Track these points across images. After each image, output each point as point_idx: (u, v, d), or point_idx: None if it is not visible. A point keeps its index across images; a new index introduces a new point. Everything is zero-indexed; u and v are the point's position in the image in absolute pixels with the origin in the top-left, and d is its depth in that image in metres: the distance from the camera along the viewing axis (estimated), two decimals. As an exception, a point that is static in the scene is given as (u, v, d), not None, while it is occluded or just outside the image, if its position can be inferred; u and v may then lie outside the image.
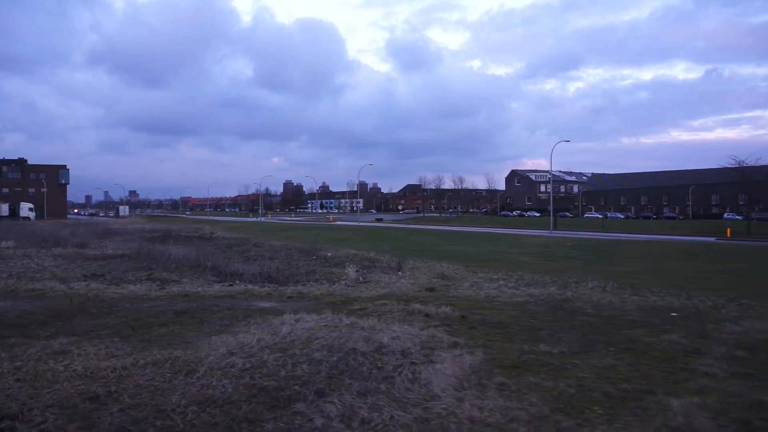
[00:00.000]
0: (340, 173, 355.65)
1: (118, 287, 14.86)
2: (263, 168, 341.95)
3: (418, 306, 11.57)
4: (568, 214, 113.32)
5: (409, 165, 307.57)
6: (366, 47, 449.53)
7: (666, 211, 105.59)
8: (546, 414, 5.72)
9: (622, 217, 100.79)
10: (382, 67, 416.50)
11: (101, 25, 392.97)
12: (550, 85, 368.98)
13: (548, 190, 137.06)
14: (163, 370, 7.16)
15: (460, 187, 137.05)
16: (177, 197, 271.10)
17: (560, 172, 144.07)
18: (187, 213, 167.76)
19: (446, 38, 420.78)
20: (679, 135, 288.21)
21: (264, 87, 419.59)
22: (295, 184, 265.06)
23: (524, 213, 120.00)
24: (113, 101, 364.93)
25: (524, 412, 5.78)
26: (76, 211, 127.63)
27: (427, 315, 11.01)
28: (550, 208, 63.37)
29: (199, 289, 14.46)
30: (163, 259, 20.77)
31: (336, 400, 5.96)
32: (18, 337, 9.00)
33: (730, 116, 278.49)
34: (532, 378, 6.93)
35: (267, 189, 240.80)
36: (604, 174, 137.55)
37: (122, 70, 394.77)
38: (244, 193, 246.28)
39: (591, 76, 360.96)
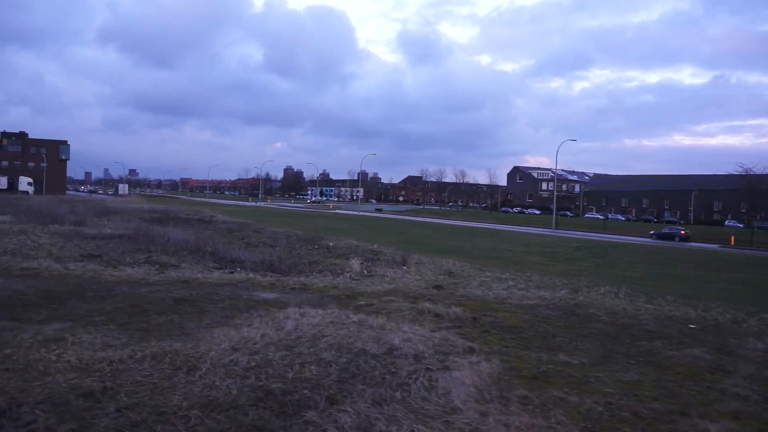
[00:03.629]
0: (341, 161, 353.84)
1: (116, 269, 14.40)
2: (265, 153, 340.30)
3: (427, 305, 11.14)
4: (568, 213, 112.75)
5: (410, 157, 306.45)
6: (376, 37, 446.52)
7: (667, 215, 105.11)
8: (576, 435, 5.31)
9: (623, 219, 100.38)
10: (391, 58, 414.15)
11: (116, 3, 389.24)
12: (555, 83, 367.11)
13: (550, 188, 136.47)
14: (162, 365, 6.72)
15: (461, 180, 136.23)
16: (176, 178, 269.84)
17: (563, 170, 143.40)
18: (187, 194, 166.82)
19: (455, 32, 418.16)
20: (681, 139, 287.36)
21: (272, 72, 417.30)
22: (295, 170, 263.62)
23: (525, 210, 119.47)
24: (120, 79, 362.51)
25: (552, 431, 5.37)
26: (80, 188, 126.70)
27: (437, 315, 10.59)
28: (553, 207, 63.03)
29: (199, 275, 14.00)
30: (162, 241, 20.28)
31: (350, 409, 5.53)
32: (8, 321, 8.54)
33: (733, 123, 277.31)
34: (555, 392, 6.51)
35: (267, 174, 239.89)
36: (605, 175, 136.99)
37: (132, 49, 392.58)
38: (244, 177, 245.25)
39: (597, 76, 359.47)
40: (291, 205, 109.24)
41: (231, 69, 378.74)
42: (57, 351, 7.07)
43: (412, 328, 9.23)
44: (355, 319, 9.64)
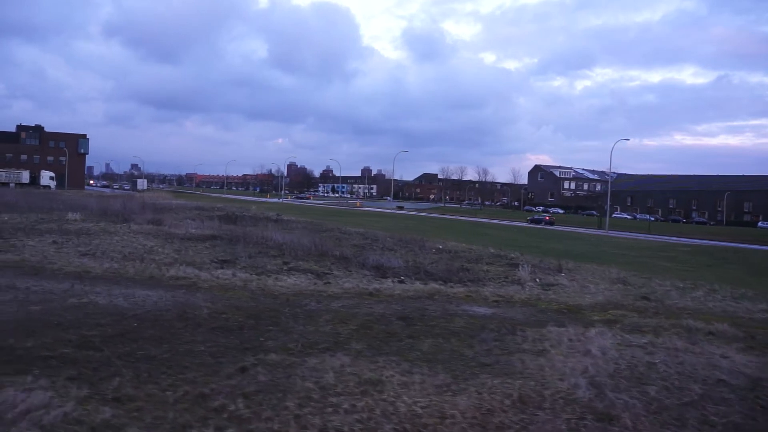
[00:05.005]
0: (343, 158, 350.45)
1: (269, 278, 12.85)
2: (267, 148, 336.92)
3: (692, 322, 9.60)
4: (594, 213, 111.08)
5: (412, 154, 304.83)
6: (380, 34, 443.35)
7: (695, 216, 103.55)
8: None
9: (652, 219, 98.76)
10: (395, 54, 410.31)
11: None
12: (558, 82, 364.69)
13: (572, 187, 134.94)
14: (526, 407, 5.20)
15: (484, 179, 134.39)
16: (177, 172, 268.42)
17: (583, 170, 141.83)
18: (201, 190, 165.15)
19: (458, 29, 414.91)
20: (682, 139, 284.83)
21: (275, 68, 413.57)
22: (299, 166, 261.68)
23: (548, 209, 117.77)
24: (124, 74, 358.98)
25: None
26: (91, 182, 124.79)
27: (710, 333, 9.08)
28: (607, 207, 61.49)
29: (374, 286, 12.45)
30: (272, 244, 18.75)
31: None
32: (251, 353, 6.93)
33: (734, 123, 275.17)
34: None
35: (277, 169, 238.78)
36: (628, 174, 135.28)
37: (136, 44, 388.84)
38: (252, 173, 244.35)
39: (599, 75, 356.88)
40: (312, 201, 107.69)
41: (234, 64, 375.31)
42: (398, 400, 5.52)
43: (721, 350, 7.81)
44: (645, 340, 8.19)
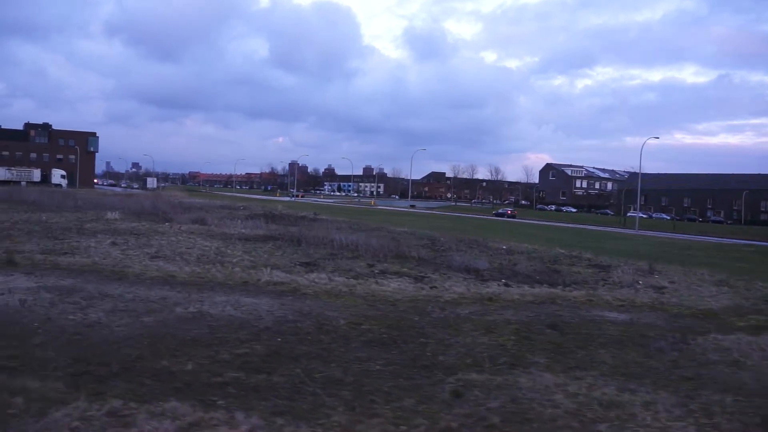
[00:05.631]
0: (343, 156, 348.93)
1: (377, 284, 11.97)
2: (267, 147, 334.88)
3: None
4: (609, 212, 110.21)
5: (411, 152, 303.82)
6: (381, 33, 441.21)
7: (710, 215, 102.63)
8: None
9: (668, 218, 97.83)
10: (396, 54, 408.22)
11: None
12: (558, 81, 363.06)
13: (584, 186, 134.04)
14: None
15: (495, 178, 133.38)
16: (177, 171, 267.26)
17: (594, 168, 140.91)
18: (207, 189, 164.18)
19: (459, 28, 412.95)
20: (682, 138, 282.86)
21: (276, 67, 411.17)
22: (300, 165, 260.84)
23: (561, 208, 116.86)
24: (124, 73, 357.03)
25: None
26: (96, 181, 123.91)
27: None
28: (637, 205, 60.68)
29: (485, 290, 11.61)
30: (338, 245, 17.92)
31: None
32: (439, 370, 6.16)
33: (734, 122, 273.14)
34: None
35: (284, 168, 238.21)
36: (637, 173, 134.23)
37: (137, 43, 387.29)
38: (257, 172, 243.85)
39: (600, 74, 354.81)
40: (324, 200, 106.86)
41: (235, 64, 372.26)
42: (655, 423, 4.72)
43: None
44: None
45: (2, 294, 9.31)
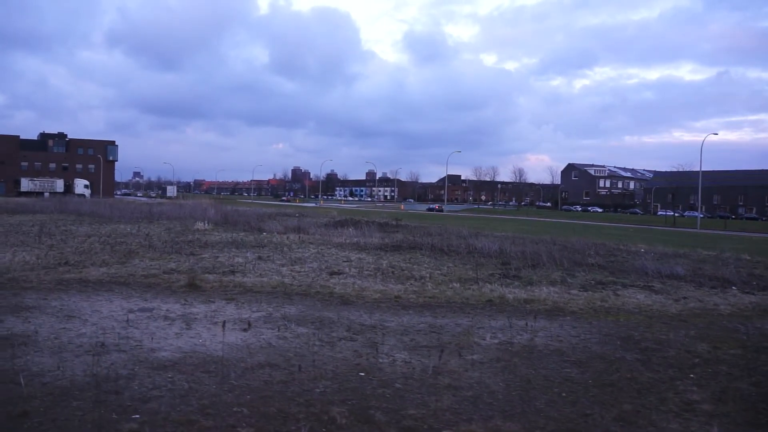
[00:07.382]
0: (344, 161, 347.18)
1: (615, 295, 10.53)
2: (267, 153, 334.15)
3: None
4: (638, 211, 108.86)
5: (411, 155, 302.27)
6: (380, 38, 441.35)
7: (742, 211, 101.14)
8: None
9: (701, 216, 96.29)
10: (395, 57, 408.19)
11: (125, 7, 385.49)
12: (557, 81, 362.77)
13: (607, 186, 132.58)
14: None
15: (519, 179, 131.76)
16: (179, 179, 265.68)
17: (616, 168, 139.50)
18: (218, 197, 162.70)
19: (457, 31, 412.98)
20: (681, 135, 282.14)
21: (276, 73, 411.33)
22: (303, 170, 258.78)
23: (588, 208, 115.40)
24: (125, 82, 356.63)
25: None
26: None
27: None
28: (698, 202, 59.34)
29: (743, 301, 10.13)
30: (492, 253, 16.48)
31: None
32: None
33: (732, 119, 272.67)
34: None
35: (285, 174, 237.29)
36: (662, 171, 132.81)
37: (139, 52, 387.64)
38: (266, 179, 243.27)
39: (598, 74, 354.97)
40: (345, 205, 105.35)
41: (236, 71, 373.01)
42: None
43: None
44: None
45: (244, 330, 7.67)
